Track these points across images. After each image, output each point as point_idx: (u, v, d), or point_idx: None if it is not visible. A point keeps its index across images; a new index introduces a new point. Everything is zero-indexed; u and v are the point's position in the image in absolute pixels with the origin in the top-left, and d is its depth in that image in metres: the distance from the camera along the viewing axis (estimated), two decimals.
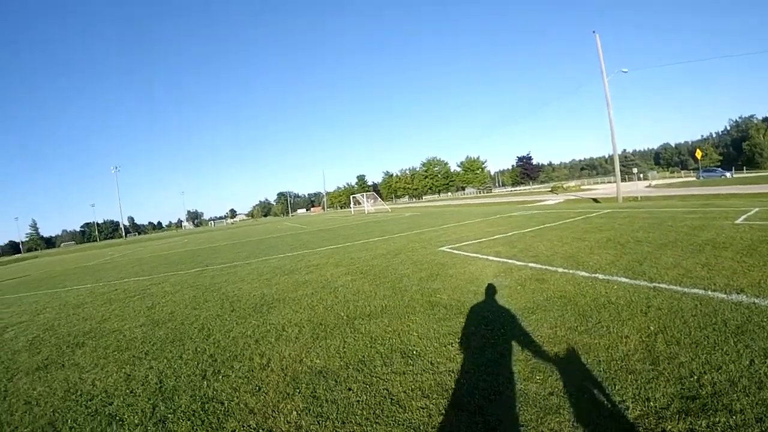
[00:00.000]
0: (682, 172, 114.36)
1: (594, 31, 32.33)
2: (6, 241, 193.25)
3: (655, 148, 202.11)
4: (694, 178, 71.00)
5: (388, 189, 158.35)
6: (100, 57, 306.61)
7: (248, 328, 6.75)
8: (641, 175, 66.12)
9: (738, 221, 12.71)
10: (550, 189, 76.17)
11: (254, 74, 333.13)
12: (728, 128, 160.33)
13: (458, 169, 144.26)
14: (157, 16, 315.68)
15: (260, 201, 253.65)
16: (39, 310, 11.67)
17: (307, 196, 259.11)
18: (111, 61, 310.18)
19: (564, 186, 76.11)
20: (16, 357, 7.07)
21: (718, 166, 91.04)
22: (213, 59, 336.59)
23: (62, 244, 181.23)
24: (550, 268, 8.42)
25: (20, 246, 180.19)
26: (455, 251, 11.96)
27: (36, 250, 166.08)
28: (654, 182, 66.61)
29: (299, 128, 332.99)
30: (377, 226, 27.61)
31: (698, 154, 52.21)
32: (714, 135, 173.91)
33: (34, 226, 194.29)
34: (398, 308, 6.84)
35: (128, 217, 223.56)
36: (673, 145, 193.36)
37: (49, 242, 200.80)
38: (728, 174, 67.17)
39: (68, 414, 4.49)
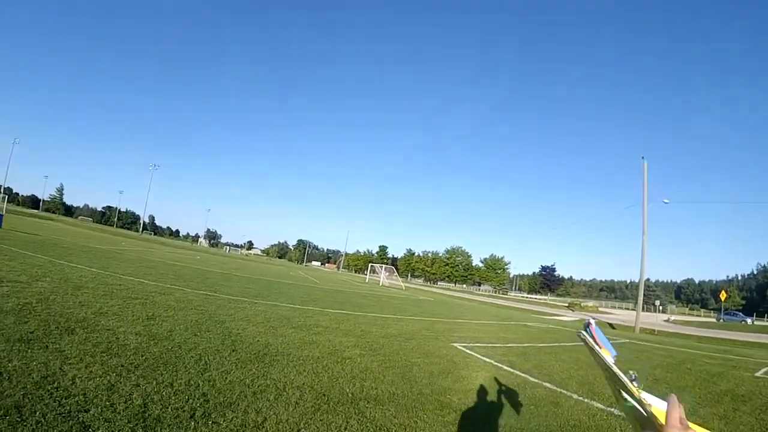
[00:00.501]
0: (702, 311, 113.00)
1: (643, 157, 32.24)
2: (29, 194, 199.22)
3: (678, 281, 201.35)
4: (714, 319, 69.42)
5: (407, 266, 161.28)
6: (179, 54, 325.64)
7: (247, 375, 6.33)
8: (661, 308, 64.87)
9: (758, 374, 12.52)
10: (567, 305, 76.07)
11: (309, 123, 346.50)
12: (755, 272, 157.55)
13: (480, 265, 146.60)
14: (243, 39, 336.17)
15: (279, 242, 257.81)
16: (39, 276, 11.56)
17: (325, 250, 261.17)
18: (193, 57, 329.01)
19: (581, 304, 76.17)
20: (1, 319, 6.82)
21: (739, 310, 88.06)
22: (285, 95, 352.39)
23: (80, 217, 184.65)
24: (565, 392, 8.21)
25: (40, 204, 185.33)
26: (468, 351, 11.69)
27: (54, 212, 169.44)
28: (673, 317, 65.37)
29: (336, 183, 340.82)
30: (390, 303, 27.23)
31: (722, 296, 51.71)
32: (740, 277, 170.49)
33: (60, 190, 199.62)
34: (406, 399, 6.46)
35: (149, 215, 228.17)
36: (696, 282, 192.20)
37: (68, 210, 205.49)
38: (749, 320, 65.33)
39: (38, 404, 4.11)
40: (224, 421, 4.61)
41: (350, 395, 6.26)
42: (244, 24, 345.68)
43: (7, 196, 63.88)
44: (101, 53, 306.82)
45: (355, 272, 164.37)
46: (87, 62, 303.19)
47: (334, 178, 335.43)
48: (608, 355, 1.55)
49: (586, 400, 7.70)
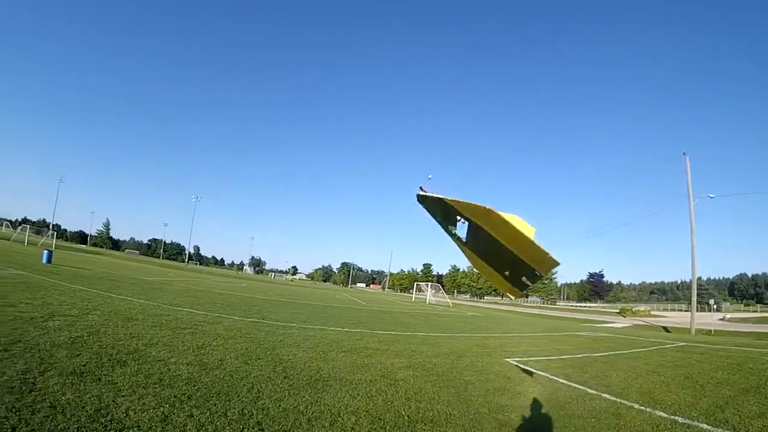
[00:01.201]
0: (758, 306, 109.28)
1: (684, 153, 32.17)
2: (76, 230, 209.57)
3: (731, 277, 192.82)
4: None
5: (452, 282, 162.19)
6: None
7: (300, 402, 6.29)
8: (715, 306, 62.44)
9: None
10: (618, 311, 75.00)
11: (344, 145, 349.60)
12: None
13: None
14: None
15: (323, 265, 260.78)
16: (89, 309, 11.93)
17: (369, 271, 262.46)
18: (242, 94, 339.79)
19: (633, 309, 74.61)
20: (54, 351, 7.03)
21: None
22: (323, 120, 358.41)
23: (126, 250, 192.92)
24: (625, 402, 8.11)
25: (87, 238, 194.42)
26: (522, 365, 11.65)
27: (101, 247, 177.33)
28: (728, 315, 63.20)
29: (377, 204, 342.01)
30: (439, 321, 27.14)
31: None
32: None
33: (107, 225, 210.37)
34: (464, 420, 6.35)
35: (194, 246, 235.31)
36: (750, 276, 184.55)
37: (115, 244, 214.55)
38: None
39: None
40: None
41: (406, 418, 6.18)
42: (281, 60, 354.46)
43: (55, 233, 67.41)
44: (141, 90, 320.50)
45: (401, 291, 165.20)
46: (129, 101, 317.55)
47: (374, 199, 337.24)
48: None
49: (648, 410, 7.55)
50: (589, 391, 8.94)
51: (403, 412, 6.41)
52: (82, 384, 5.66)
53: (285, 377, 7.64)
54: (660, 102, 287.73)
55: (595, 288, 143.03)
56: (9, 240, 57.53)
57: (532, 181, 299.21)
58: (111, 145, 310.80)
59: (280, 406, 6.03)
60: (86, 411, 4.77)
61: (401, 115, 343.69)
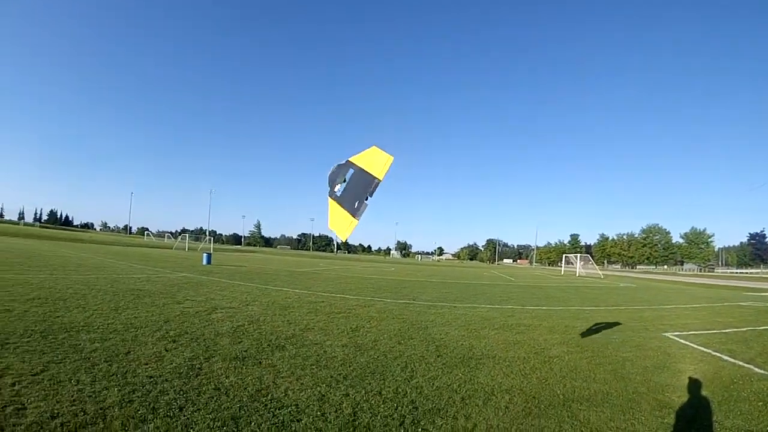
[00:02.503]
0: None
1: None
2: (230, 233, 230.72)
3: None
4: None
5: (602, 252, 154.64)
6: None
7: (454, 380, 6.41)
8: None
9: None
10: None
11: (484, 119, 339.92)
12: None
13: (680, 241, 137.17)
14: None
15: (468, 244, 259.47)
16: (248, 301, 13.08)
17: (515, 246, 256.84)
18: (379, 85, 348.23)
19: None
20: (218, 340, 7.85)
21: None
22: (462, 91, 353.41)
23: (278, 246, 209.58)
24: None
25: (241, 239, 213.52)
26: (681, 340, 11.07)
27: (254, 246, 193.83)
28: None
29: (521, 177, 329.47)
30: (590, 293, 26.01)
31: None
32: None
33: (258, 225, 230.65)
34: (621, 399, 6.12)
35: None
36: None
37: (267, 242, 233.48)
38: None
39: (253, 416, 4.61)
40: (433, 428, 4.68)
41: (561, 396, 6.03)
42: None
43: (212, 238, 74.92)
44: (275, 92, 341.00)
45: (549, 265, 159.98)
46: (263, 104, 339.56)
47: (517, 172, 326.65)
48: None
49: None
50: (757, 370, 8.27)
51: (558, 391, 6.27)
52: (243, 368, 6.27)
53: (438, 356, 7.82)
54: None
55: (757, 251, 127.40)
56: (172, 248, 64.78)
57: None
58: (254, 155, 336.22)
59: (433, 384, 6.17)
60: (248, 391, 5.28)
61: (551, 89, 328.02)
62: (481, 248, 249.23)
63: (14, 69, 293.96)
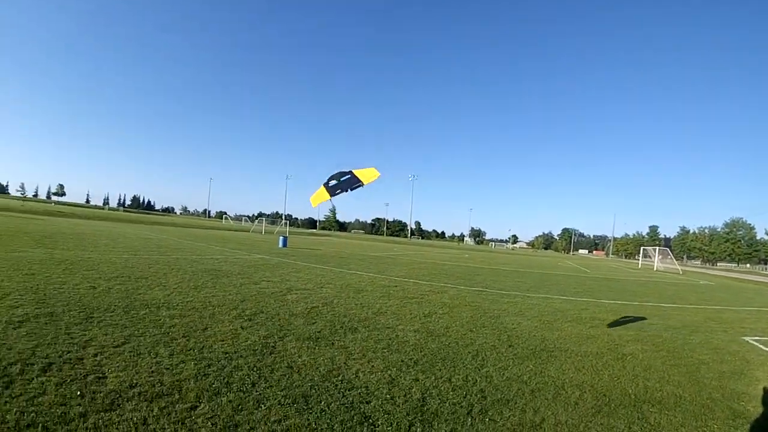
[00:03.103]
0: None
1: None
2: (306, 217, 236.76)
3: None
4: None
5: (681, 246, 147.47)
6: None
7: (525, 372, 6.28)
8: None
9: None
10: None
11: (560, 107, 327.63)
12: None
13: (766, 238, 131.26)
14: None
15: (543, 233, 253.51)
16: (322, 283, 13.35)
17: (591, 236, 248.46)
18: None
19: None
20: (292, 320, 8.04)
21: None
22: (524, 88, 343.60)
23: (352, 231, 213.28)
24: None
25: (316, 223, 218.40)
26: (762, 346, 10.29)
27: (329, 230, 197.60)
28: None
29: (599, 164, 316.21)
30: (668, 289, 24.66)
31: None
32: None
33: (333, 210, 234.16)
34: (694, 405, 5.77)
35: (415, 221, 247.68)
36: None
37: (342, 226, 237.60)
38: None
39: (324, 395, 4.67)
40: (501, 419, 4.59)
41: (632, 396, 5.78)
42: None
43: (288, 222, 76.84)
44: (356, 81, 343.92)
45: (625, 257, 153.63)
46: (341, 91, 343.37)
47: (596, 158, 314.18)
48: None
49: None
50: None
51: (630, 390, 6.02)
52: (316, 348, 6.39)
53: (509, 346, 7.71)
54: None
55: None
56: (249, 231, 66.97)
57: None
58: (340, 141, 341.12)
59: (503, 374, 6.07)
60: (319, 371, 5.37)
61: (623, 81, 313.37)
62: (556, 237, 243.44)
63: (110, 69, 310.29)
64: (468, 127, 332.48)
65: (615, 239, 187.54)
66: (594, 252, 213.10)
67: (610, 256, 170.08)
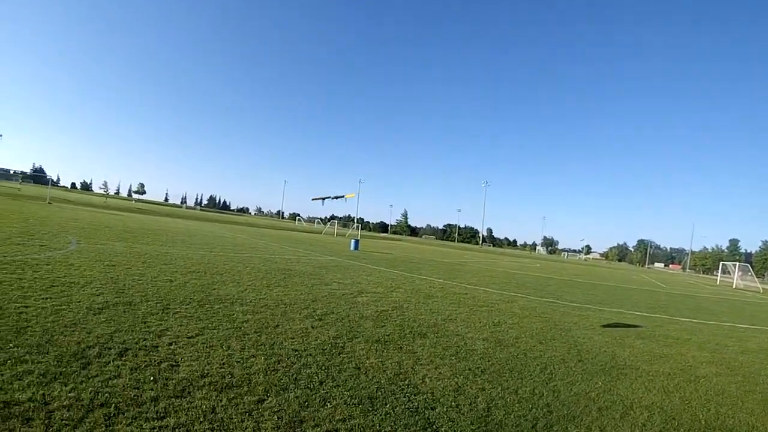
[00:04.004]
0: None
1: None
2: (377, 221, 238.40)
3: None
4: None
5: (763, 263, 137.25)
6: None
7: (592, 389, 6.07)
8: None
9: None
10: None
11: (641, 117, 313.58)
12: None
13: None
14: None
15: (617, 243, 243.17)
16: (393, 287, 13.46)
17: (668, 249, 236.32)
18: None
19: None
20: (362, 322, 8.16)
21: None
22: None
23: (423, 236, 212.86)
24: None
25: (388, 228, 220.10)
26: None
27: (400, 234, 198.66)
28: None
29: (679, 173, 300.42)
30: (747, 309, 23.13)
31: None
32: None
33: (405, 215, 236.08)
34: None
35: (487, 228, 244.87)
36: None
37: (413, 231, 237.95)
38: None
39: (389, 398, 4.70)
40: None
41: (703, 422, 5.47)
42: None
43: (359, 225, 78.00)
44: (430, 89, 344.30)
45: (703, 273, 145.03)
46: (422, 104, 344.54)
47: (673, 167, 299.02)
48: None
49: None
50: None
51: (701, 415, 5.69)
52: (384, 351, 6.44)
53: (579, 360, 7.49)
54: None
55: None
56: (321, 233, 68.04)
57: None
58: (405, 145, 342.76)
59: (571, 390, 5.90)
60: (386, 374, 5.40)
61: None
62: (631, 249, 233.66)
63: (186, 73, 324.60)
64: (544, 132, 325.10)
65: (692, 252, 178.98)
66: (670, 266, 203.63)
67: (687, 270, 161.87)
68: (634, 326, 11.81)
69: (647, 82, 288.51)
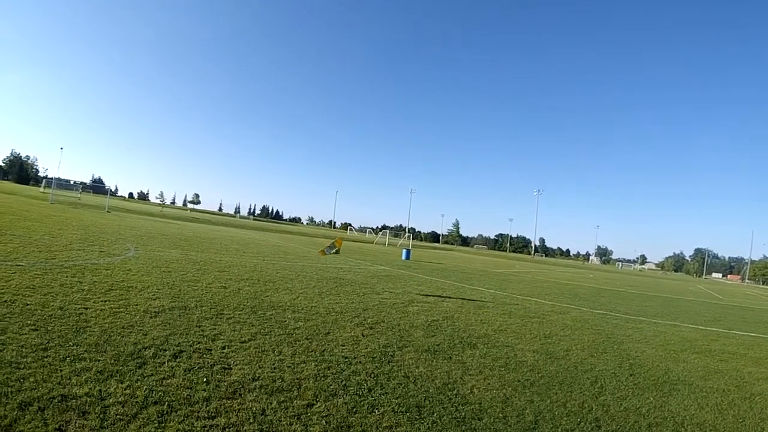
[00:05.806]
0: None
1: None
2: (429, 231, 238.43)
3: None
4: None
5: None
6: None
7: (643, 404, 5.89)
8: None
9: None
10: None
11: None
12: None
13: None
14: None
15: (674, 253, 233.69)
16: (443, 297, 13.56)
17: (726, 258, 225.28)
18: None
19: None
20: (412, 331, 8.18)
21: None
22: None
23: (475, 246, 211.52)
24: None
25: (439, 237, 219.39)
26: None
27: (452, 244, 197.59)
28: None
29: (735, 177, 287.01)
30: None
31: None
32: None
33: (456, 224, 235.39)
34: None
35: (539, 238, 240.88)
36: None
37: (464, 241, 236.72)
38: None
39: (437, 407, 4.71)
40: None
41: None
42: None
43: (411, 235, 78.07)
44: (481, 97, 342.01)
45: (763, 283, 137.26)
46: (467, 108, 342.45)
47: (731, 174, 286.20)
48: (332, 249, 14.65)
49: None
50: None
51: None
52: (434, 360, 6.45)
53: (630, 375, 7.30)
54: None
55: None
56: (373, 243, 68.19)
57: None
58: (454, 159, 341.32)
59: (621, 405, 5.75)
60: (435, 384, 5.41)
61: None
62: (687, 259, 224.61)
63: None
64: (597, 141, 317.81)
65: (752, 262, 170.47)
66: (729, 276, 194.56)
67: (746, 281, 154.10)
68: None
69: (703, 91, 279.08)
